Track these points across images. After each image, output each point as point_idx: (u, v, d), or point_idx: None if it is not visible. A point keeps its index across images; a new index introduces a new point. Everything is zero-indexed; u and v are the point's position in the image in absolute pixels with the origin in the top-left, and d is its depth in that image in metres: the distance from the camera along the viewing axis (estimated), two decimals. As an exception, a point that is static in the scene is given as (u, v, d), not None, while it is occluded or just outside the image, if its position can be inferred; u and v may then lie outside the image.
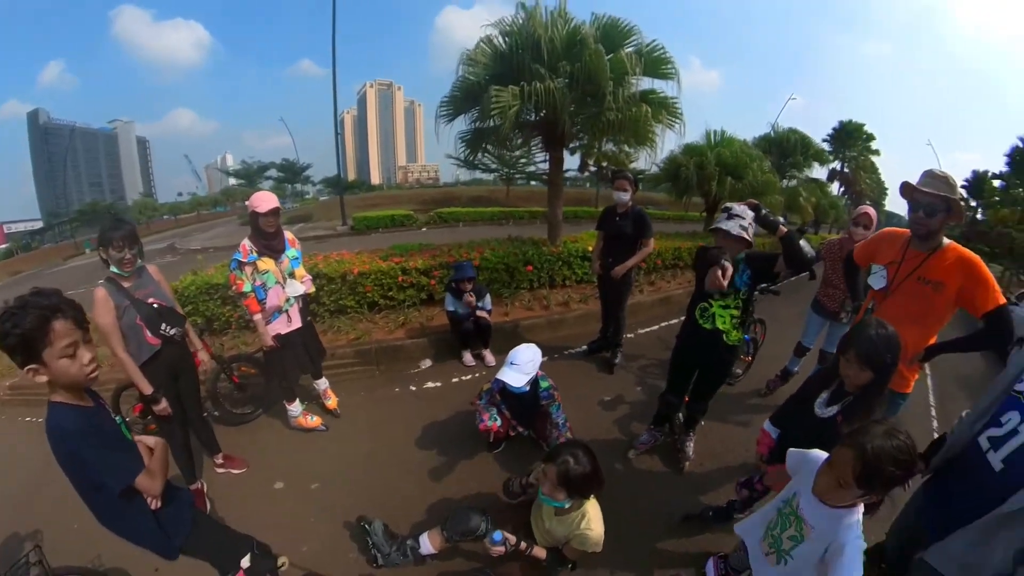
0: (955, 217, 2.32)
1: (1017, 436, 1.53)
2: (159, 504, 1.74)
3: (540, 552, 2.35)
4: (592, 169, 29.37)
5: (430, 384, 4.39)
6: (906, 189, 2.39)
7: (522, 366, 2.96)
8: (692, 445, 3.46)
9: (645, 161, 7.78)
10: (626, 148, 7.56)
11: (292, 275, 3.30)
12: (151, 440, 1.81)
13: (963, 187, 28.92)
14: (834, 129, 31.13)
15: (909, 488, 1.86)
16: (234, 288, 3.18)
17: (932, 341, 2.47)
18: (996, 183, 26.74)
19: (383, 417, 3.90)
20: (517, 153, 8.39)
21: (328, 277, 5.05)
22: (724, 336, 2.83)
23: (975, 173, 29.08)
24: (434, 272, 5.55)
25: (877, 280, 2.59)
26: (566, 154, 7.70)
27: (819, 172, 24.89)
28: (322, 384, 3.84)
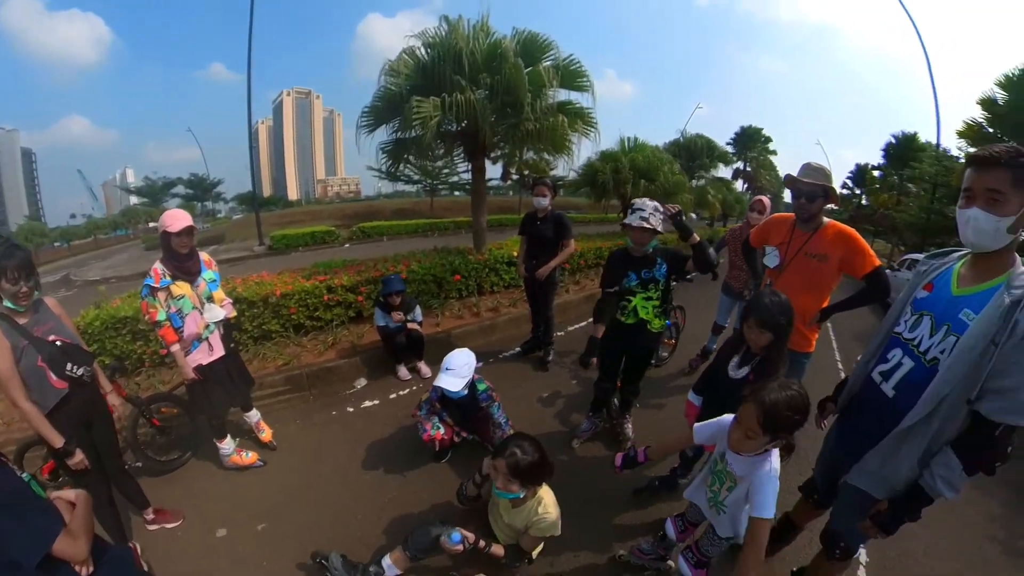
0: (832, 200, 2.71)
1: (901, 368, 1.84)
2: (90, 570, 1.47)
3: (499, 550, 2.37)
4: (514, 177, 29.98)
5: (367, 403, 4.26)
6: (789, 180, 2.77)
7: (457, 370, 3.01)
8: (630, 426, 3.73)
9: (564, 168, 8.14)
10: (545, 156, 7.84)
11: (210, 299, 3.03)
12: (71, 494, 1.56)
13: (848, 178, 33.10)
14: (736, 133, 34.95)
15: (825, 427, 2.24)
16: (147, 318, 2.89)
17: (825, 304, 2.85)
18: (876, 173, 30.62)
19: (323, 443, 3.71)
20: (440, 164, 8.44)
21: (249, 301, 4.75)
22: (647, 325, 3.08)
23: (858, 166, 33.33)
24: (361, 288, 5.41)
25: (772, 259, 2.97)
26: (488, 163, 7.82)
27: (724, 172, 28.01)
28: (253, 416, 3.55)
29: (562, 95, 6.93)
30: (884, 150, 28.41)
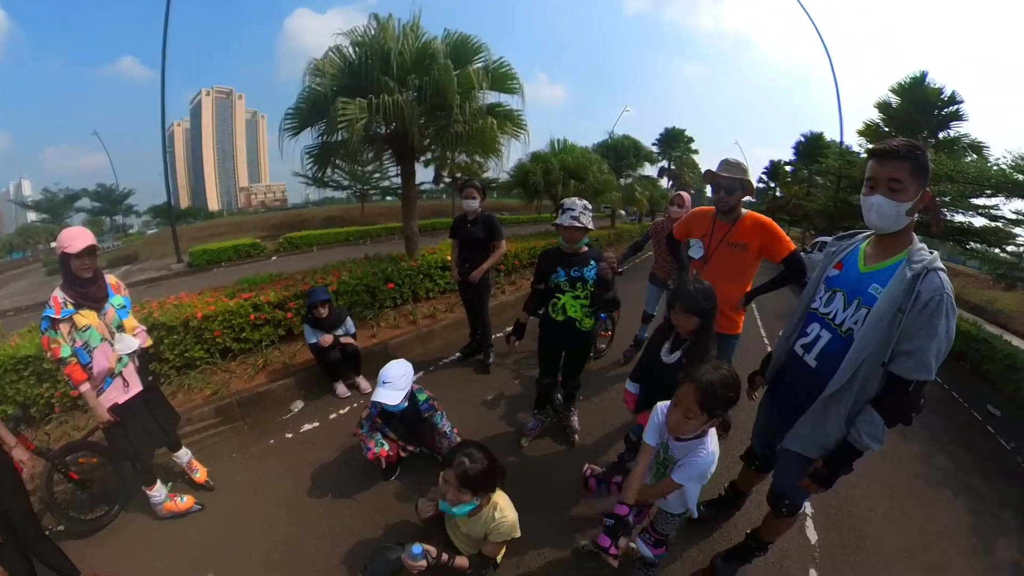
0: (749, 193, 2.90)
1: (820, 340, 2.05)
2: None
3: (463, 561, 2.33)
4: (446, 180, 29.74)
5: (307, 426, 4.00)
6: (708, 175, 2.95)
7: (395, 383, 2.94)
8: (576, 419, 3.84)
9: (495, 170, 8.13)
10: (476, 158, 7.82)
11: (121, 328, 2.70)
12: None
13: (764, 173, 36.26)
14: (661, 134, 37.19)
15: (756, 398, 2.46)
16: (49, 355, 2.50)
17: (748, 289, 3.05)
18: (787, 168, 33.88)
19: (264, 476, 3.41)
20: (370, 168, 8.19)
21: (167, 327, 4.26)
22: (577, 324, 3.17)
23: (772, 162, 36.83)
24: (290, 304, 5.06)
25: (696, 251, 3.13)
26: (419, 167, 7.72)
27: (650, 170, 29.59)
28: (184, 456, 3.16)
29: (492, 97, 6.90)
30: (795, 148, 31.89)
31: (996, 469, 4.09)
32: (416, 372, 3.16)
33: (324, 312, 4.15)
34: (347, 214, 35.58)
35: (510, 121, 7.00)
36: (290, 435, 3.87)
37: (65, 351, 2.45)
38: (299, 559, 2.69)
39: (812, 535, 3.06)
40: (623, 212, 27.18)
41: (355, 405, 4.25)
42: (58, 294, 2.49)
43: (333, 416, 4.11)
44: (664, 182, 34.77)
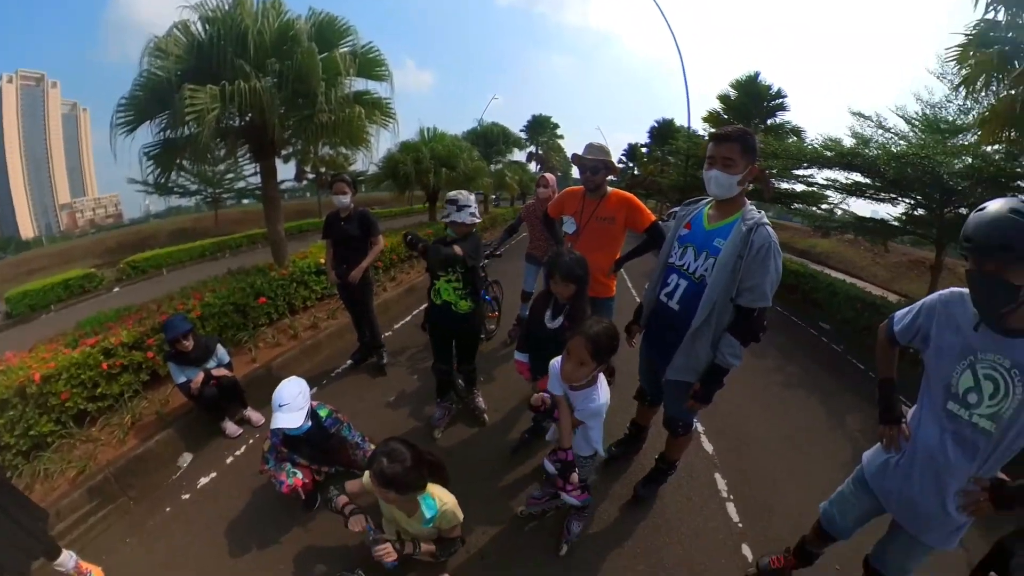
0: (612, 172, 3.25)
1: (679, 288, 2.47)
2: None
3: (429, 546, 2.32)
4: (310, 176, 27.83)
5: (204, 480, 3.39)
6: (575, 158, 3.28)
7: (292, 403, 2.70)
8: (481, 399, 4.03)
9: (363, 162, 7.81)
10: (343, 150, 7.35)
11: None
12: None
13: (623, 154, 39.59)
14: (528, 121, 39.06)
15: (635, 344, 2.88)
16: None
17: (617, 256, 3.40)
18: (644, 150, 37.89)
19: (172, 551, 2.83)
20: (222, 168, 7.22)
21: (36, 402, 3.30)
22: (453, 306, 3.33)
23: (630, 145, 40.95)
24: (148, 342, 4.18)
25: (569, 226, 3.45)
26: (279, 163, 7.02)
27: (519, 156, 30.86)
28: (68, 561, 2.49)
29: (359, 84, 6.54)
30: (650, 132, 36.07)
31: (833, 367, 5.60)
32: (311, 388, 2.91)
33: (189, 345, 3.52)
34: (199, 224, 30.90)
35: (378, 110, 6.72)
36: (187, 496, 3.25)
37: None
38: None
39: (708, 446, 3.89)
40: (494, 197, 27.89)
41: (252, 441, 3.75)
42: None
43: (230, 460, 3.57)
44: (533, 166, 36.45)
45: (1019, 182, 6.16)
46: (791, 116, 19.22)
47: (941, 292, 1.81)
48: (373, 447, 2.93)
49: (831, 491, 2.27)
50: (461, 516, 2.32)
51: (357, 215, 4.30)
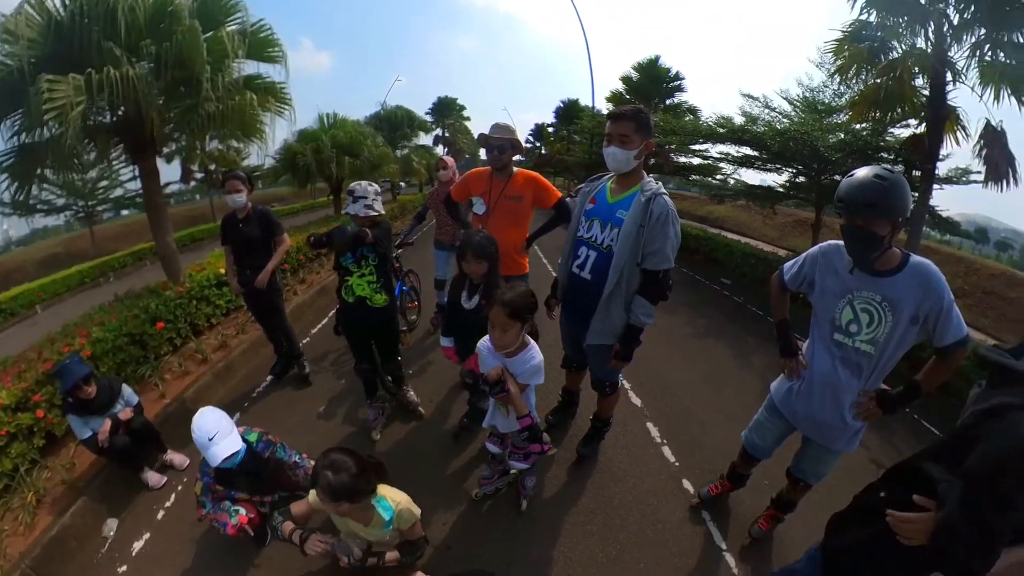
0: (518, 151, 3.29)
1: (589, 259, 2.63)
2: None
3: (392, 554, 2.35)
4: (198, 176, 25.26)
5: (137, 544, 2.98)
6: (481, 138, 3.28)
7: (220, 431, 2.48)
8: (412, 393, 4.03)
9: (258, 156, 7.22)
10: (234, 144, 6.68)
11: None
12: None
13: (530, 134, 40.08)
14: (434, 104, 38.45)
15: (555, 316, 3.07)
16: None
17: (527, 234, 3.49)
18: (550, 129, 38.63)
19: None
20: (93, 175, 6.29)
21: None
22: (368, 301, 3.26)
23: (537, 125, 41.57)
24: (34, 398, 3.55)
25: (479, 207, 3.45)
26: (162, 163, 6.32)
27: (426, 139, 30.30)
28: None
29: (249, 68, 6.00)
30: (556, 112, 36.88)
31: (736, 316, 6.22)
32: (232, 415, 2.74)
33: (91, 391, 3.09)
34: (72, 247, 26.01)
35: (272, 95, 6.23)
36: (123, 568, 2.85)
37: None
38: None
39: (636, 400, 4.23)
40: (402, 184, 27.22)
41: (180, 487, 3.36)
42: None
43: (161, 515, 3.18)
44: (440, 149, 35.88)
45: (882, 153, 7.71)
46: (688, 97, 21.27)
47: (821, 244, 2.13)
48: (313, 463, 2.75)
49: (748, 421, 2.65)
50: (418, 512, 2.32)
51: (256, 215, 4.01)
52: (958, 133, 6.67)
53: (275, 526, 2.27)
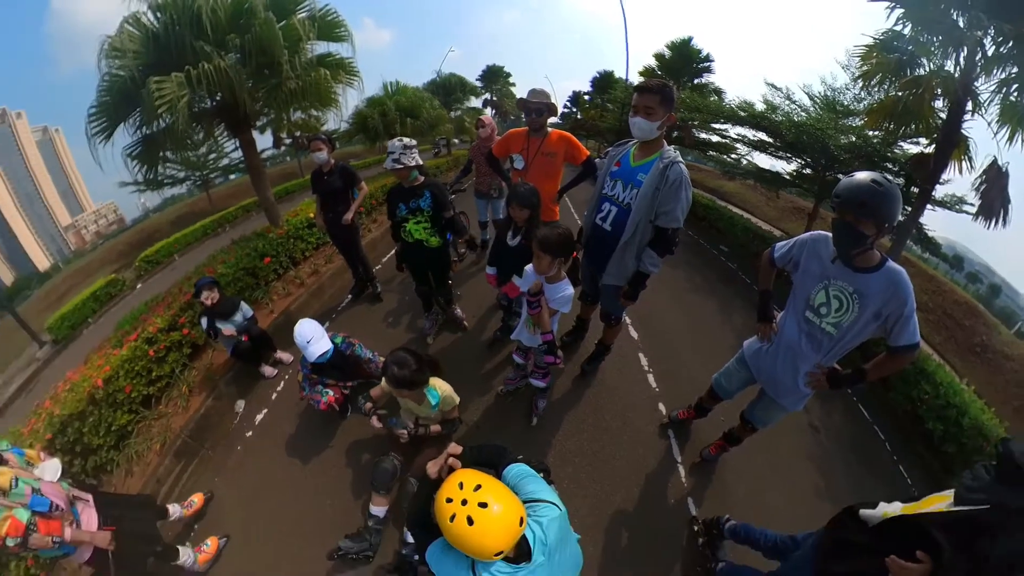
0: (553, 113, 3.31)
1: (611, 213, 2.66)
2: None
3: (436, 428, 2.63)
4: (287, 142, 26.10)
5: (259, 417, 3.61)
6: (521, 102, 3.30)
7: (315, 336, 2.88)
8: (459, 310, 4.32)
9: (334, 121, 7.35)
10: (314, 112, 6.86)
11: (29, 462, 2.08)
12: None
13: (568, 101, 37.83)
14: (483, 71, 36.85)
15: (579, 256, 2.98)
16: (12, 535, 1.77)
17: (559, 186, 3.53)
18: (586, 97, 36.63)
19: (253, 477, 3.13)
20: (204, 150, 6.65)
21: (76, 415, 3.19)
22: (424, 243, 3.40)
23: (574, 93, 39.06)
24: (180, 321, 4.12)
25: (519, 162, 3.48)
26: (256, 134, 6.61)
27: (476, 102, 29.47)
28: (176, 511, 2.73)
29: (321, 48, 6.00)
30: (592, 82, 34.59)
31: (728, 279, 6.10)
32: (323, 323, 3.15)
33: (214, 295, 3.53)
34: (195, 208, 27.64)
35: (343, 70, 6.15)
36: (250, 434, 3.48)
37: (22, 516, 1.81)
38: (320, 517, 2.78)
39: (634, 333, 4.43)
40: (456, 141, 26.99)
41: (287, 377, 3.95)
42: None
43: (275, 396, 3.80)
44: (488, 111, 34.72)
45: (887, 163, 6.72)
46: (715, 78, 18.86)
47: (812, 232, 2.08)
48: (382, 359, 3.20)
49: (720, 367, 2.74)
50: (457, 399, 2.62)
51: (338, 169, 4.16)
52: (964, 162, 5.84)
53: (359, 405, 2.66)
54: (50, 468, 2.09)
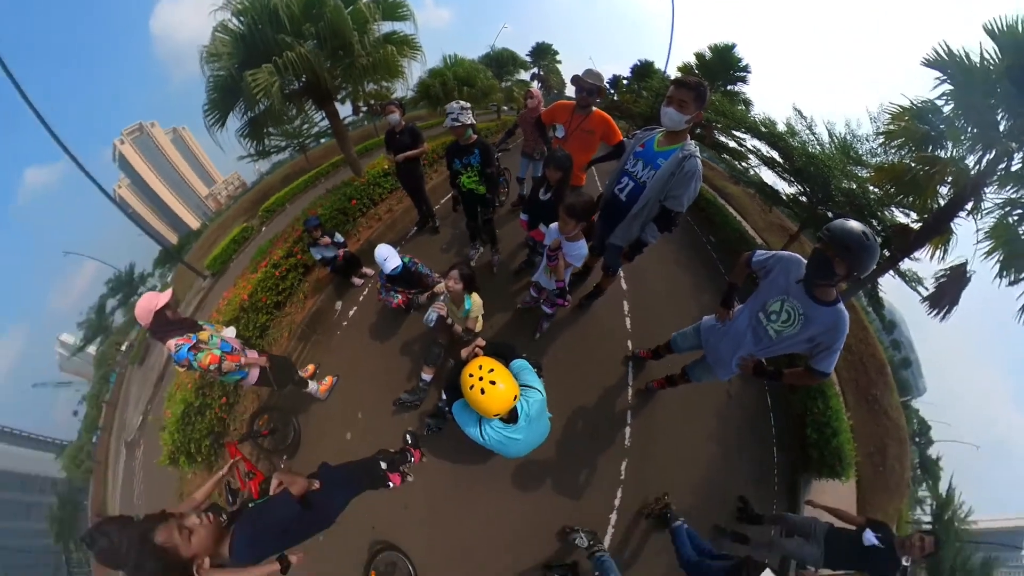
0: (600, 96, 3.17)
1: (628, 186, 2.64)
2: None
3: (458, 328, 3.00)
4: (363, 109, 26.37)
5: (352, 312, 4.35)
6: (575, 79, 3.15)
7: (388, 257, 3.29)
8: (497, 256, 4.48)
9: (402, 90, 7.33)
10: (384, 83, 6.98)
11: (215, 329, 2.73)
12: None
13: (608, 82, 34.34)
14: (533, 48, 34.02)
15: (595, 219, 3.01)
16: (211, 365, 2.47)
17: (591, 157, 3.42)
18: (624, 82, 33.13)
19: (351, 348, 3.95)
20: (297, 123, 6.85)
21: (233, 319, 4.00)
22: (474, 190, 3.51)
23: (614, 76, 35.00)
24: (294, 250, 4.80)
25: (560, 132, 3.40)
26: (338, 105, 6.73)
27: (525, 76, 27.78)
28: (313, 386, 3.45)
29: (386, 27, 5.88)
30: (632, 69, 30.78)
31: (708, 266, 5.79)
32: (395, 247, 3.53)
33: (319, 234, 4.09)
34: (297, 167, 29.26)
35: (407, 45, 6.03)
36: (345, 323, 4.24)
37: (217, 353, 2.51)
38: (389, 382, 3.56)
39: (624, 285, 4.58)
40: (505, 108, 26.05)
41: (370, 285, 4.53)
42: (170, 342, 2.39)
43: (361, 298, 4.45)
44: (535, 84, 32.82)
45: (873, 220, 5.70)
46: (747, 89, 16.29)
47: (791, 253, 2.06)
48: (437, 275, 3.66)
49: (681, 328, 2.92)
50: (483, 312, 2.98)
51: (407, 129, 4.22)
52: (939, 251, 4.99)
53: (437, 295, 3.20)
54: (229, 331, 2.82)
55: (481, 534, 2.86)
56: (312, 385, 3.40)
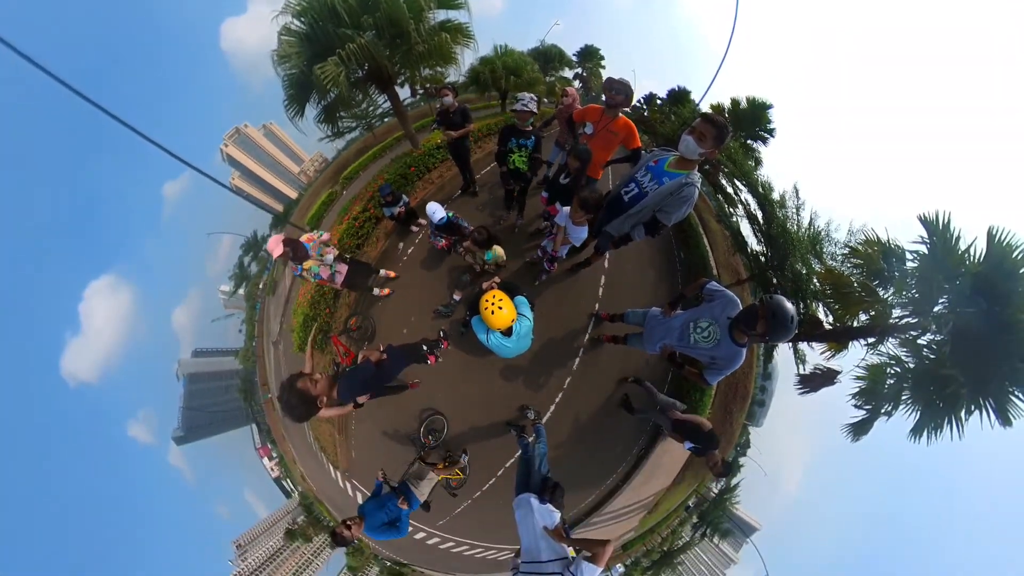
0: (627, 104, 2.97)
1: (633, 191, 2.60)
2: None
3: (488, 267, 3.61)
4: (420, 92, 25.78)
5: (411, 250, 4.95)
6: (608, 81, 2.95)
7: (436, 211, 3.56)
8: (522, 218, 4.69)
9: (454, 75, 7.15)
10: (439, 69, 6.75)
11: (322, 256, 3.45)
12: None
13: (642, 99, 30.48)
14: (580, 49, 31.02)
15: (602, 213, 2.87)
16: (314, 280, 3.43)
17: (610, 157, 3.32)
18: (658, 102, 29.38)
19: (409, 275, 4.67)
20: (364, 105, 6.70)
21: (341, 248, 4.59)
22: (520, 169, 3.61)
23: (650, 93, 30.89)
24: (368, 207, 5.21)
25: (588, 129, 3.22)
26: (398, 89, 6.53)
27: (568, 73, 25.54)
28: (378, 290, 4.49)
29: (441, 15, 5.43)
30: (668, 92, 27.03)
31: (672, 272, 5.66)
32: (443, 204, 3.78)
33: (391, 197, 4.32)
34: (367, 143, 30.32)
35: (460, 33, 5.58)
36: (405, 258, 4.87)
37: (316, 267, 3.34)
38: (440, 291, 4.42)
39: (607, 264, 4.84)
40: (545, 100, 24.42)
41: (423, 232, 4.96)
42: (293, 264, 3.24)
43: (417, 240, 4.97)
44: (576, 84, 30.19)
45: (804, 304, 5.22)
46: (764, 149, 14.29)
47: (734, 295, 2.21)
48: (472, 227, 3.86)
49: (635, 307, 3.22)
50: (504, 257, 3.50)
51: (459, 109, 4.05)
52: (831, 351, 4.77)
53: (463, 246, 3.63)
54: (327, 257, 3.44)
55: (476, 399, 4.14)
56: (376, 291, 4.40)
